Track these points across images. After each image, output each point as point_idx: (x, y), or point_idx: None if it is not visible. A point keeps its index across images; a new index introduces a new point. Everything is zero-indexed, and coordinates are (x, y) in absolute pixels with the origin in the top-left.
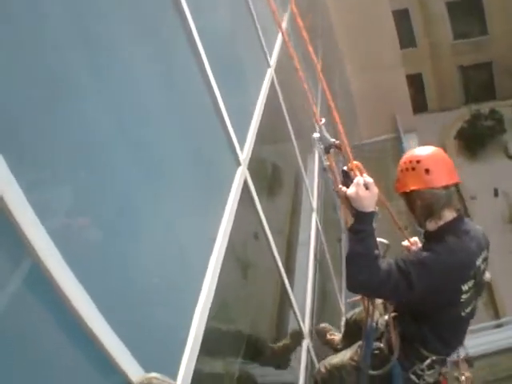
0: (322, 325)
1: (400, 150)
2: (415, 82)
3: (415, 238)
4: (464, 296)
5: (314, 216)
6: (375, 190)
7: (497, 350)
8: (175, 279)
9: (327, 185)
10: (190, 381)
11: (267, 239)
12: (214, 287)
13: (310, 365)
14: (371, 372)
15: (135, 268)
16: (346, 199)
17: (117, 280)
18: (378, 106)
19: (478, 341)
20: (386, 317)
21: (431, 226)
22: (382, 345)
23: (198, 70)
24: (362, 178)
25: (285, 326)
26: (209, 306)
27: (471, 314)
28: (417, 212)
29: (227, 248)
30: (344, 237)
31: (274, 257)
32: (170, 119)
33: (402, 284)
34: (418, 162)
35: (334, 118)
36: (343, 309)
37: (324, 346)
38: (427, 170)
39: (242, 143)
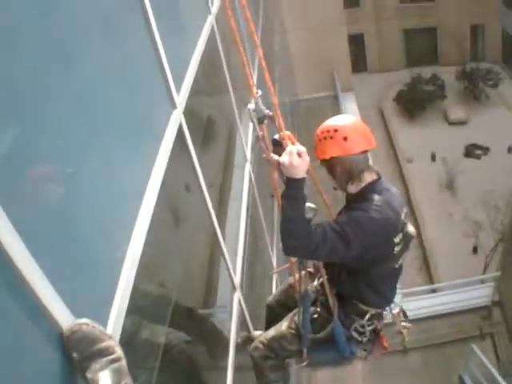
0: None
1: (338, 108)
2: (356, 42)
3: None
4: (396, 248)
5: (248, 166)
6: (307, 158)
7: (432, 314)
8: (105, 226)
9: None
10: (120, 327)
11: (201, 188)
12: (144, 234)
13: (242, 317)
14: (313, 336)
15: (67, 213)
16: (278, 167)
17: (49, 225)
18: (317, 64)
19: (413, 304)
20: (316, 283)
21: (353, 188)
22: (318, 309)
23: (139, 10)
24: (295, 147)
25: (216, 277)
26: (139, 253)
27: (401, 268)
28: (337, 177)
29: (159, 193)
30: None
31: (207, 207)
32: (107, 57)
33: (340, 244)
34: (335, 130)
35: (268, 89)
36: (274, 262)
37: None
38: (345, 138)
39: (178, 86)
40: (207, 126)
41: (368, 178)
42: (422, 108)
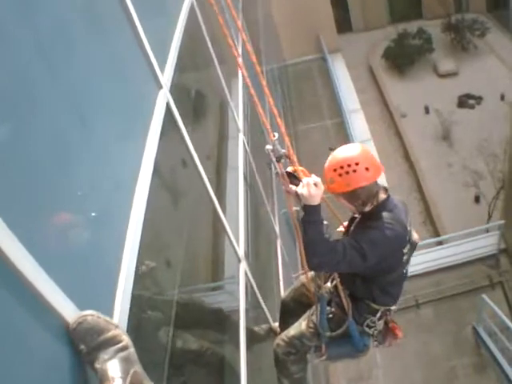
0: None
1: (326, 71)
2: (339, 3)
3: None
4: (405, 257)
5: (241, 137)
6: (322, 186)
7: (440, 267)
8: (102, 211)
9: (253, 109)
10: (126, 316)
11: (195, 164)
12: (142, 217)
13: (250, 287)
14: (330, 334)
15: (63, 202)
16: (296, 196)
17: (45, 216)
18: (302, 27)
19: (421, 258)
20: (329, 284)
21: (368, 207)
22: (333, 309)
23: None
24: (311, 179)
25: (220, 250)
26: (139, 236)
27: (407, 271)
28: (359, 202)
29: (154, 174)
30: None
31: (203, 182)
32: (86, 45)
33: (357, 259)
34: (356, 164)
35: (279, 129)
36: (277, 229)
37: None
38: (367, 169)
39: (162, 66)
40: (197, 102)
41: (381, 196)
42: (411, 63)
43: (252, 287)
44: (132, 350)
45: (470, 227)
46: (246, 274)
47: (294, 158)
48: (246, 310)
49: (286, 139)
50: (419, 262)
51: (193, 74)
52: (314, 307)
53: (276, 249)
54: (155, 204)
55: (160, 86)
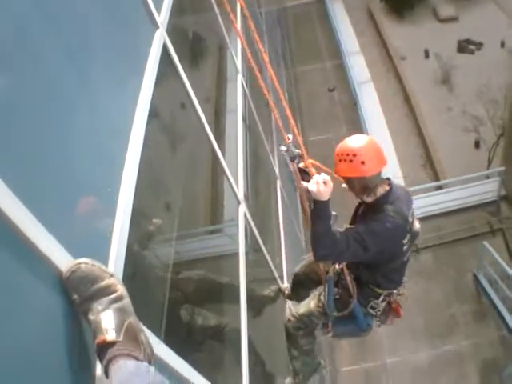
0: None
1: (325, 14)
2: None
3: None
4: (405, 247)
5: (240, 78)
6: (331, 184)
7: (441, 212)
8: (97, 155)
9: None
10: (122, 264)
11: (194, 106)
12: (137, 160)
13: (250, 230)
14: (337, 314)
15: (58, 150)
16: (307, 192)
17: (39, 164)
18: None
19: (421, 202)
20: (337, 266)
21: (368, 198)
22: (340, 291)
23: None
24: (320, 177)
25: (219, 193)
26: (134, 181)
27: (408, 259)
28: (355, 190)
29: (151, 116)
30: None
31: (202, 124)
32: None
33: (360, 250)
34: (354, 155)
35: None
36: (277, 171)
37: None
38: (363, 162)
39: (158, 5)
40: (195, 44)
41: (381, 190)
42: (411, 7)
43: (252, 230)
44: (127, 300)
45: (469, 172)
46: (245, 216)
47: (306, 157)
48: (246, 253)
49: (303, 149)
50: (419, 205)
51: (191, 15)
52: (322, 287)
53: (276, 190)
54: (154, 147)
55: (156, 26)
